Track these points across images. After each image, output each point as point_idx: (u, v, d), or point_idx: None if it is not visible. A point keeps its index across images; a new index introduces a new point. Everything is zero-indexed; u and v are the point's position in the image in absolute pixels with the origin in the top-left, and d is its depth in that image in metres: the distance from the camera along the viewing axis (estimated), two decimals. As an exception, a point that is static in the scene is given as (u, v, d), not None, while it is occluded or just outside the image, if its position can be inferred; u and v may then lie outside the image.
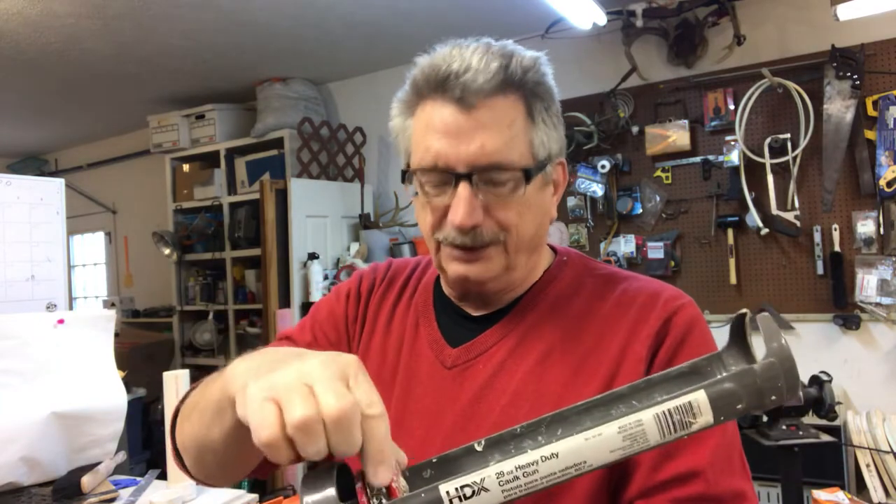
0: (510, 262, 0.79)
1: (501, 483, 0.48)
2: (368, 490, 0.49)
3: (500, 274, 0.80)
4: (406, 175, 0.81)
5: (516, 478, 0.48)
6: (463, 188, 0.75)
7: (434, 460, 0.53)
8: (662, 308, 0.77)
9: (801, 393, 2.32)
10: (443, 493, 0.48)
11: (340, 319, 0.94)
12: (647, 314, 0.77)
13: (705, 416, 0.48)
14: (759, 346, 0.51)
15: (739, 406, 0.48)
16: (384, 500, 0.49)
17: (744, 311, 0.51)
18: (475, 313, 0.86)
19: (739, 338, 0.52)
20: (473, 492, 0.48)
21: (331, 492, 0.48)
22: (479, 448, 0.52)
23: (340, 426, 0.47)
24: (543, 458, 0.48)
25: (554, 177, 0.84)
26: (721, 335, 0.53)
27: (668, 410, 0.48)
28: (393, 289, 0.95)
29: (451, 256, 0.80)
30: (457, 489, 0.48)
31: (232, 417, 0.59)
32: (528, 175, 0.76)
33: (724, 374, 0.51)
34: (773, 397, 0.48)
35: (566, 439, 0.49)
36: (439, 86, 0.76)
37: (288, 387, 0.49)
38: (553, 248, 0.91)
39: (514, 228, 0.78)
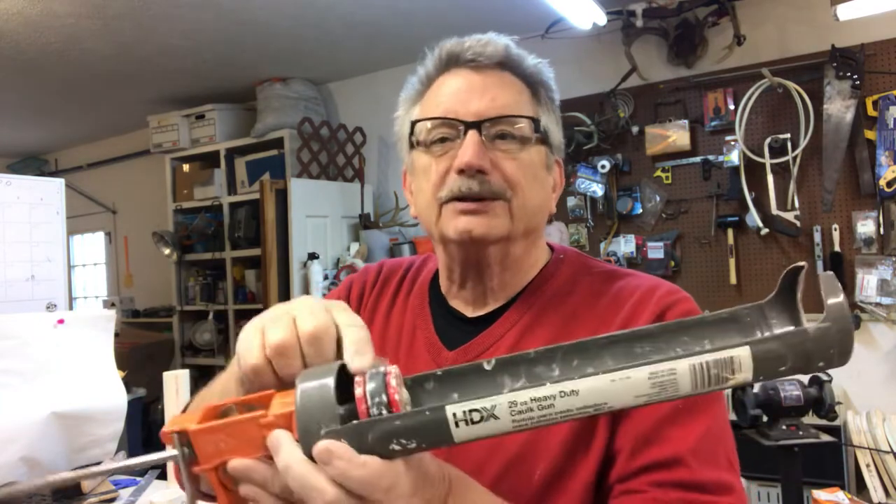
0: (512, 229, 0.78)
1: (513, 413, 0.46)
2: (369, 398, 0.47)
3: (502, 235, 0.77)
4: (413, 127, 0.81)
5: (530, 409, 0.45)
6: (472, 134, 0.76)
7: (439, 373, 0.51)
8: (656, 303, 0.75)
9: (800, 393, 2.33)
10: (449, 414, 0.46)
11: None
12: (642, 309, 0.75)
13: (744, 374, 0.45)
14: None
15: (783, 368, 0.45)
16: (384, 410, 0.46)
17: (802, 263, 0.47)
18: (471, 314, 0.84)
19: (788, 293, 0.48)
20: (482, 417, 0.46)
21: (328, 381, 0.47)
22: (487, 367, 0.50)
23: (314, 341, 0.51)
24: (562, 394, 0.45)
25: (553, 175, 0.84)
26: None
27: (707, 363, 0.45)
28: (387, 292, 0.93)
29: (455, 211, 0.77)
30: (465, 412, 0.46)
31: (236, 392, 0.61)
32: (537, 125, 0.78)
33: (771, 331, 0.47)
34: (822, 363, 0.45)
35: (590, 378, 0.45)
36: (452, 60, 0.80)
37: (273, 318, 0.54)
38: (551, 247, 0.90)
39: (519, 189, 0.77)
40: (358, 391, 0.47)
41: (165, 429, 0.51)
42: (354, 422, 0.46)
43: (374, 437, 0.46)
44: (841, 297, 0.44)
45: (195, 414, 0.51)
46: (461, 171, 0.75)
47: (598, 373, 0.45)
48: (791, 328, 0.46)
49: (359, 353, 0.51)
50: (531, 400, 0.45)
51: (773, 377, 0.46)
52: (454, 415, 0.46)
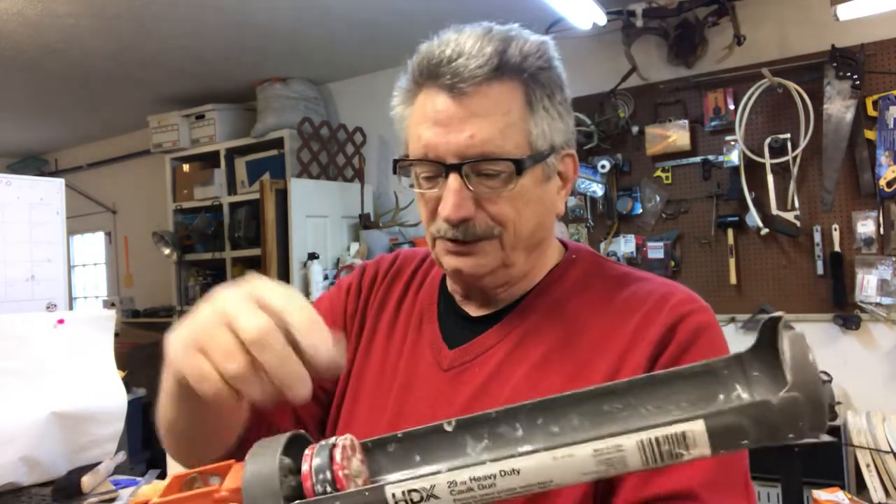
0: (506, 258, 0.76)
1: (453, 492, 0.44)
2: (314, 474, 0.46)
3: (495, 269, 0.77)
4: (397, 166, 0.79)
5: (470, 489, 0.44)
6: (453, 179, 0.72)
7: (400, 435, 0.49)
8: (669, 313, 0.72)
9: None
10: (388, 495, 0.45)
11: (339, 314, 0.92)
12: (652, 320, 0.72)
13: (700, 449, 0.41)
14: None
15: (744, 442, 0.41)
16: (328, 488, 0.46)
17: (779, 314, 0.43)
18: (476, 313, 0.83)
19: (769, 344, 0.44)
20: (421, 497, 0.45)
21: (273, 459, 0.47)
22: (448, 428, 0.48)
23: (267, 355, 0.49)
24: (503, 473, 0.44)
25: (560, 169, 0.79)
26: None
27: (657, 438, 0.42)
28: (398, 284, 0.92)
29: (445, 250, 0.77)
30: (404, 493, 0.45)
31: (178, 391, 0.62)
32: (519, 167, 0.72)
33: (749, 386, 0.43)
34: (791, 435, 0.41)
35: (530, 456, 0.43)
36: (432, 73, 0.73)
37: (211, 335, 0.51)
38: (565, 245, 0.87)
39: (510, 223, 0.74)
40: (304, 467, 0.47)
41: (132, 500, 0.53)
42: (296, 503, 0.46)
43: None
44: (811, 368, 0.40)
45: (161, 485, 0.52)
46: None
47: (539, 450, 0.44)
48: (750, 399, 0.42)
49: (310, 334, 0.50)
50: (471, 479, 0.44)
51: (735, 450, 0.42)
52: (393, 495, 0.45)
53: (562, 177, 0.80)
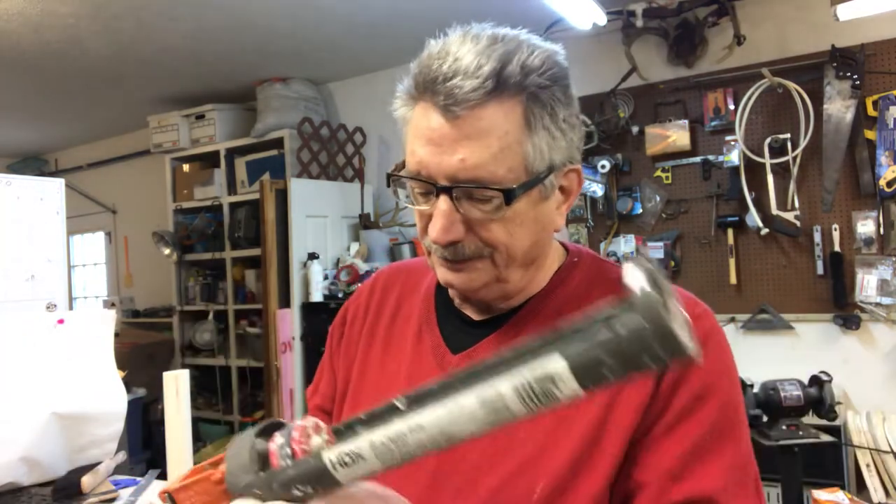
0: (500, 274, 0.75)
1: (376, 453, 0.50)
2: (278, 450, 0.54)
3: (488, 283, 0.75)
4: (390, 179, 0.78)
5: (390, 449, 0.50)
6: (443, 201, 0.70)
7: (363, 417, 0.54)
8: None
9: (800, 393, 2.32)
10: (326, 460, 0.52)
11: (328, 358, 0.97)
12: None
13: (570, 385, 0.44)
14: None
15: (609, 374, 0.43)
16: (289, 461, 0.54)
17: (637, 257, 0.44)
18: (477, 317, 0.82)
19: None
20: (352, 460, 0.51)
21: (245, 444, 0.56)
22: (402, 407, 0.52)
23: None
24: (411, 430, 0.49)
25: (564, 184, 0.76)
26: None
27: (528, 382, 0.45)
28: (388, 299, 0.92)
29: (438, 263, 0.77)
30: (338, 456, 0.51)
31: None
32: (509, 196, 0.69)
33: (591, 335, 0.45)
34: (650, 362, 0.42)
35: (429, 409, 0.49)
36: (427, 88, 0.70)
37: None
38: (565, 247, 0.86)
39: (501, 246, 0.73)
40: (271, 445, 0.55)
41: (161, 489, 0.61)
42: (261, 473, 0.55)
43: (277, 485, 0.53)
44: (651, 291, 0.42)
45: (184, 474, 0.61)
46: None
47: (436, 405, 0.49)
48: (602, 334, 0.44)
49: None
50: (387, 439, 0.50)
51: (604, 383, 0.44)
52: (330, 460, 0.52)
53: (564, 191, 0.77)
